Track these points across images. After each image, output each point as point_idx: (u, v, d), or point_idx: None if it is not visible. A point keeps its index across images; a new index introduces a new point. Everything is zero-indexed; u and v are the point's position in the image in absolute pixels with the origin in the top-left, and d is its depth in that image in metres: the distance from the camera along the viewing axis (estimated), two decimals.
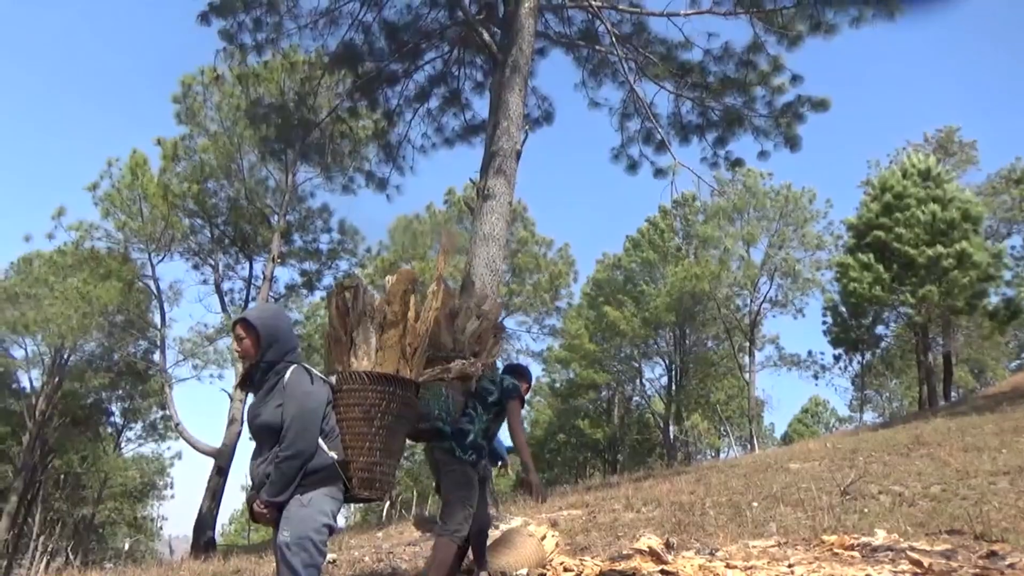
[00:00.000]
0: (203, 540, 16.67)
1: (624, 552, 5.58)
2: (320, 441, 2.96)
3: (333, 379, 3.21)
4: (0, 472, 28.77)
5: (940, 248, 20.84)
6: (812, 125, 11.61)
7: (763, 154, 12.23)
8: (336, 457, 2.97)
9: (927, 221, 21.51)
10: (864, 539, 5.08)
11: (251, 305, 20.57)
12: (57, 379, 25.83)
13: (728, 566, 4.62)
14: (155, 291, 22.23)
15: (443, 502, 4.37)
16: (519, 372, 4.85)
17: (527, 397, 4.91)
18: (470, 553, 4.98)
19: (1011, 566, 3.99)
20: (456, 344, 4.30)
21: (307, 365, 3.10)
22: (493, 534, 5.34)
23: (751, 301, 29.85)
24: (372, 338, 3.28)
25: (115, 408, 31.28)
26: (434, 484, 5.11)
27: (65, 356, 25.63)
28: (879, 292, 21.50)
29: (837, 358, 28.69)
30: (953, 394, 25.41)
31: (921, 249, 21.06)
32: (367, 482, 3.04)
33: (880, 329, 25.65)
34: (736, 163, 13.02)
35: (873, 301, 22.14)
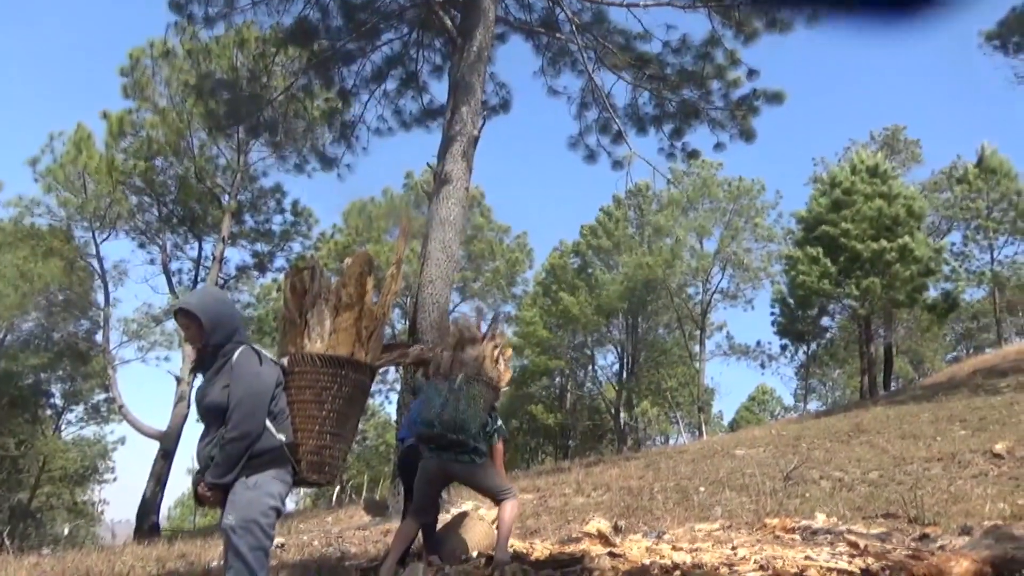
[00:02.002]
0: (147, 525, 16.34)
1: (573, 535, 5.67)
2: (268, 423, 2.91)
3: (285, 361, 3.16)
4: None
5: (884, 243, 21.49)
6: (764, 120, 11.82)
7: (719, 146, 12.42)
8: (284, 440, 2.93)
9: (873, 216, 22.15)
10: (805, 523, 5.25)
11: (199, 286, 20.11)
12: None
13: (674, 548, 4.73)
14: (99, 270, 21.54)
15: (487, 484, 4.64)
16: (495, 410, 5.13)
17: None
18: (420, 537, 5.00)
19: (942, 548, 4.16)
20: (467, 370, 4.58)
21: (256, 346, 3.05)
22: (443, 518, 5.35)
23: (703, 291, 30.41)
24: (326, 320, 3.22)
25: (55, 390, 30.27)
26: (402, 478, 5.24)
27: (1, 335, 24.70)
28: (826, 285, 22.09)
29: (784, 348, 29.51)
30: (893, 384, 26.33)
31: (867, 243, 21.69)
32: (316, 465, 2.99)
33: (825, 321, 26.45)
34: (692, 154, 13.20)
35: (819, 293, 22.75)
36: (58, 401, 30.91)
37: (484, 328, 4.97)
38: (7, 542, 11.24)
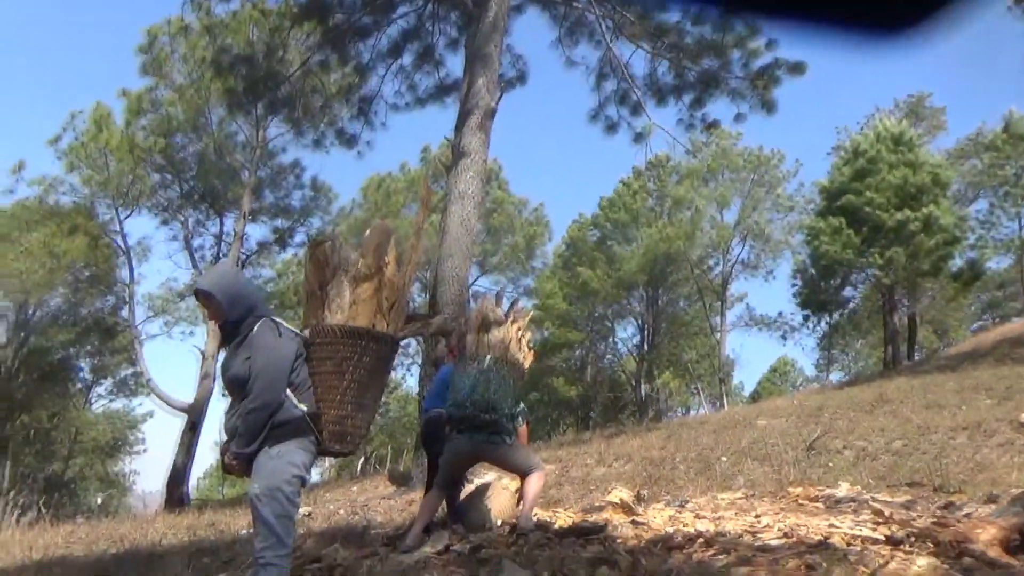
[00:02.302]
0: (177, 495, 16.69)
1: (596, 505, 5.71)
2: (288, 393, 2.96)
3: (307, 333, 3.20)
4: None
5: (909, 212, 21.14)
6: (784, 88, 11.61)
7: (739, 116, 12.27)
8: (306, 410, 2.97)
9: (897, 185, 21.77)
10: (828, 491, 5.25)
11: (216, 264, 20.29)
12: (23, 334, 25.38)
13: (697, 517, 4.76)
14: (123, 247, 21.81)
15: (518, 463, 4.72)
16: None
17: None
18: (444, 507, 5.08)
19: (967, 515, 4.15)
20: (494, 352, 4.68)
21: (276, 319, 3.09)
22: (468, 487, 5.42)
23: (723, 262, 30.17)
24: (346, 292, 3.23)
25: (84, 364, 30.88)
26: (425, 449, 5.32)
27: (30, 311, 25.15)
28: (848, 255, 21.83)
29: (805, 319, 29.21)
30: (917, 354, 26.06)
31: (891, 213, 21.35)
32: (338, 435, 3.03)
33: (848, 291, 26.13)
34: (712, 125, 13.04)
35: (842, 263, 22.49)
36: (87, 375, 31.57)
37: (505, 310, 4.99)
38: (43, 512, 11.55)
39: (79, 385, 31.51)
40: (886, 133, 23.32)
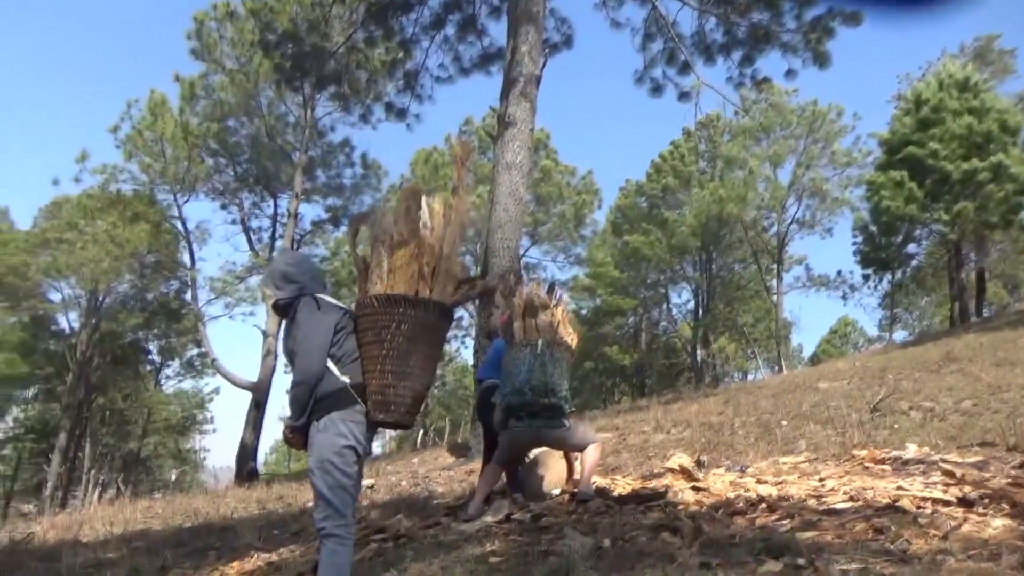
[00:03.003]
0: (246, 470, 17.29)
1: (655, 471, 5.70)
2: (331, 366, 3.01)
3: (353, 306, 3.26)
4: (49, 411, 30.00)
5: (976, 162, 20.21)
6: (840, 37, 11.11)
7: (790, 72, 11.87)
8: (349, 381, 3.02)
9: (963, 134, 20.81)
10: (895, 453, 5.11)
11: (278, 243, 20.78)
12: (95, 320, 26.51)
13: (759, 481, 4.70)
14: (183, 231, 22.45)
15: (577, 442, 4.79)
16: None
17: None
18: (504, 477, 5.13)
19: None
20: (544, 335, 4.68)
21: (320, 295, 3.15)
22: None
23: (778, 223, 29.42)
24: (384, 261, 3.22)
25: (152, 347, 32.18)
26: (480, 419, 5.39)
27: (100, 298, 26.22)
28: (912, 209, 21.03)
29: (867, 278, 28.32)
30: (986, 310, 25.10)
31: (956, 163, 20.45)
32: (382, 405, 3.04)
33: (911, 247, 25.20)
34: (762, 82, 12.65)
35: (905, 219, 21.70)
36: (156, 357, 32.94)
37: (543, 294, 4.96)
38: (122, 488, 12.12)
39: (149, 367, 32.89)
40: (950, 80, 22.25)
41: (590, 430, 4.98)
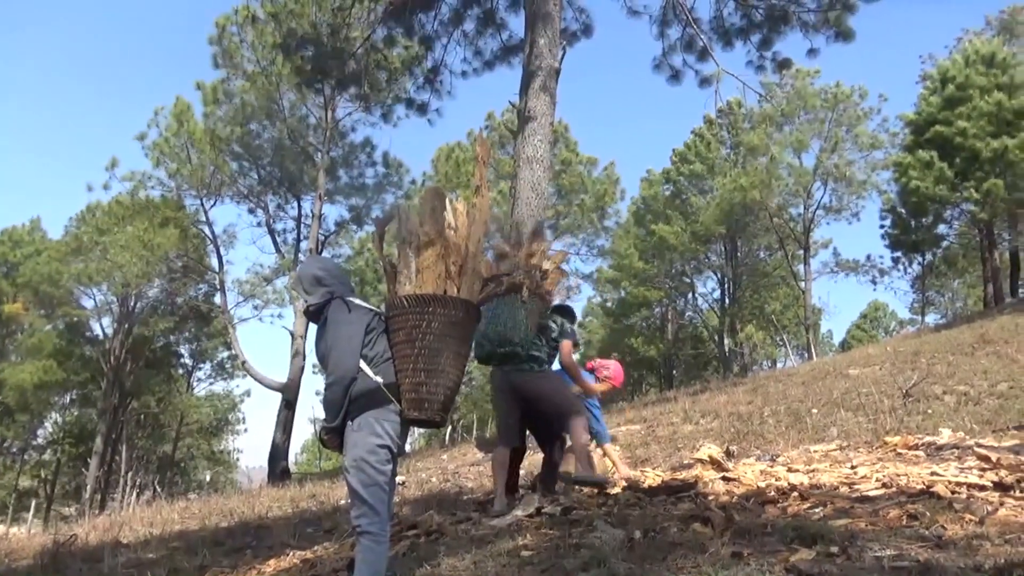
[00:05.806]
0: (278, 469, 17.52)
1: (685, 462, 5.68)
2: (363, 366, 3.07)
3: (383, 308, 3.30)
4: (86, 416, 30.62)
5: (1006, 139, 19.78)
6: (862, 16, 10.90)
7: (812, 52, 11.65)
8: (382, 381, 3.07)
9: (992, 111, 20.37)
10: (928, 438, 5.05)
11: (303, 245, 20.97)
12: (127, 325, 26.98)
13: (790, 470, 4.67)
14: (210, 235, 22.77)
15: (555, 401, 4.73)
16: (570, 313, 5.16)
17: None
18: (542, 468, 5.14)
19: None
20: (503, 283, 4.55)
21: (350, 298, 3.21)
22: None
23: (804, 208, 29.03)
24: (411, 262, 3.28)
25: (184, 350, 32.70)
26: (494, 405, 5.31)
27: (132, 303, 26.68)
28: (941, 190, 20.65)
29: (896, 261, 27.87)
30: (1021, 291, 24.57)
31: (986, 141, 20.03)
32: (415, 403, 3.09)
33: (942, 228, 24.74)
34: (783, 64, 12.46)
35: (934, 200, 21.31)
36: (187, 360, 33.44)
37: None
38: (159, 490, 12.34)
39: (181, 370, 33.41)
40: (976, 56, 21.78)
41: (572, 394, 4.90)
